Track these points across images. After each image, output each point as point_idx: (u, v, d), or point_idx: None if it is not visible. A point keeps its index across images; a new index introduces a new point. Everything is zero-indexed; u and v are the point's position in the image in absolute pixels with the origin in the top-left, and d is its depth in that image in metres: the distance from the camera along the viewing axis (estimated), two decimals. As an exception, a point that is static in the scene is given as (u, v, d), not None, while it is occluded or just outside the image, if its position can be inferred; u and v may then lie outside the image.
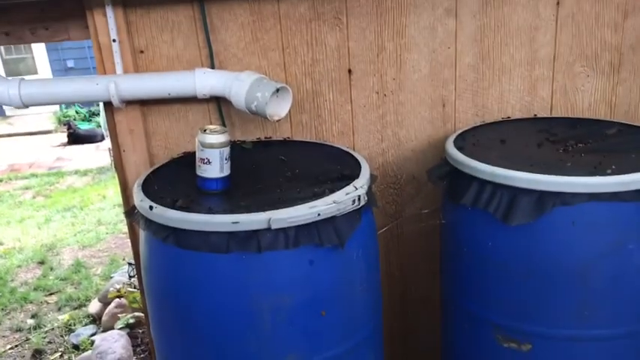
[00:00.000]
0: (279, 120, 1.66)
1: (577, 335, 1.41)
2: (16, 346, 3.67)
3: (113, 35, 1.64)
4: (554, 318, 1.40)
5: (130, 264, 4.03)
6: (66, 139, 9.77)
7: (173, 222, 1.26)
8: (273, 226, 1.21)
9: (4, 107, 11.85)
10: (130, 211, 1.46)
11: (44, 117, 11.28)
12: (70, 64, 11.71)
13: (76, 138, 9.67)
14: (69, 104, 10.70)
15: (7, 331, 3.85)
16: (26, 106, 1.62)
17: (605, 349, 1.43)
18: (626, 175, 1.30)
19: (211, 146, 1.37)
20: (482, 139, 1.68)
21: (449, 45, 1.82)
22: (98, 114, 10.37)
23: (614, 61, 1.88)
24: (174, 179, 1.52)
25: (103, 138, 9.43)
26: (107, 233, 5.39)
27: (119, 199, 1.82)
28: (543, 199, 1.31)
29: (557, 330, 1.41)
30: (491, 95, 1.89)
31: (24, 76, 1.75)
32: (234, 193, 1.40)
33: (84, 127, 10.29)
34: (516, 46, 1.84)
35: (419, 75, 1.84)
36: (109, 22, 1.63)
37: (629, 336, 1.43)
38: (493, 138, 1.67)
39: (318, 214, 1.24)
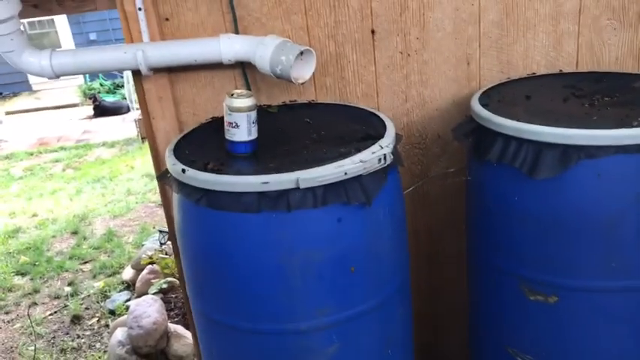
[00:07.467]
0: (304, 83, 1.68)
1: (604, 287, 1.42)
2: (55, 312, 3.81)
3: (139, 4, 1.66)
4: (581, 270, 1.42)
5: (160, 231, 4.13)
6: (92, 112, 9.90)
7: (205, 184, 1.29)
8: (302, 186, 1.24)
9: (31, 82, 12.04)
10: (163, 175, 1.50)
11: (70, 91, 11.42)
12: (93, 36, 11.80)
13: (102, 110, 9.80)
14: (98, 73, 10.78)
15: (46, 298, 3.99)
16: (57, 77, 1.66)
17: (631, 300, 1.44)
18: (653, 127, 1.30)
19: (239, 110, 1.40)
20: (507, 95, 1.68)
21: (472, 2, 1.80)
22: (122, 86, 10.46)
23: (642, 12, 1.84)
24: (204, 143, 1.55)
25: (128, 110, 9.54)
26: (137, 203, 5.51)
27: (147, 170, 1.87)
28: (568, 152, 1.32)
29: (583, 281, 1.43)
30: (516, 51, 1.87)
31: (53, 48, 1.77)
32: (262, 155, 1.43)
33: (109, 99, 10.40)
34: (541, 1, 1.81)
35: (443, 33, 1.84)
36: (134, -9, 1.65)
37: (657, 287, 1.45)
38: (518, 94, 1.66)
39: (345, 173, 1.26)
